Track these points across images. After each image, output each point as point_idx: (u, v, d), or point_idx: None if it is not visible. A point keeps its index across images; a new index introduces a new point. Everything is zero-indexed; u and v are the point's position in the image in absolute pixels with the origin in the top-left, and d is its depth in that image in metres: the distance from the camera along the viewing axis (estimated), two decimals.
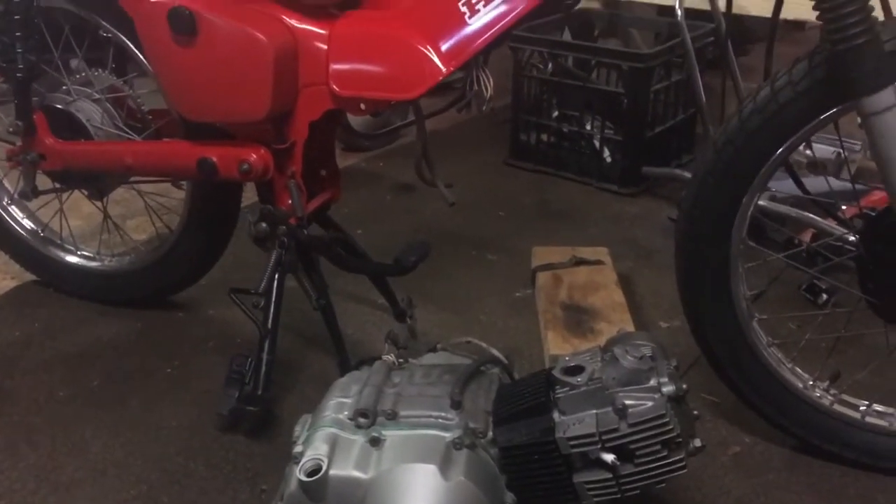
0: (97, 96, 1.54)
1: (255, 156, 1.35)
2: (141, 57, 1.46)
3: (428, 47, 1.22)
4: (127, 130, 1.54)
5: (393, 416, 1.02)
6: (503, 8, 1.19)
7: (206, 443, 1.35)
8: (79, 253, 1.74)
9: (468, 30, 1.21)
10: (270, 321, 1.36)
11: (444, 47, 1.22)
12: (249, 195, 1.56)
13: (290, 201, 1.38)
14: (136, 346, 1.60)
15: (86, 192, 1.64)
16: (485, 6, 1.19)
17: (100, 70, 1.56)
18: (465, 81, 1.27)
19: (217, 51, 1.28)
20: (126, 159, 1.45)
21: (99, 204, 1.68)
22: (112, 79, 1.55)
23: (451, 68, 1.22)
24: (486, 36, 1.20)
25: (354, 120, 2.44)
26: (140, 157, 1.46)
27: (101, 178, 1.59)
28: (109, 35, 1.50)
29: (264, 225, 1.38)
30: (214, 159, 1.38)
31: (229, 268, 1.75)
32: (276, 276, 1.36)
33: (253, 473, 1.29)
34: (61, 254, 1.74)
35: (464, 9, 1.20)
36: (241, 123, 1.35)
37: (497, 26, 1.19)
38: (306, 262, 1.43)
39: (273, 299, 1.36)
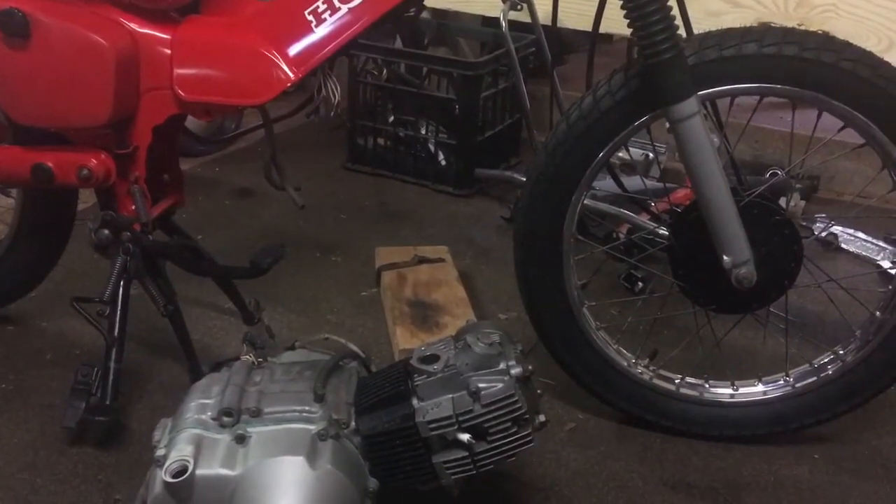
0: None
1: (95, 161, 1.32)
2: None
3: (275, 53, 1.25)
4: None
5: (257, 414, 1.05)
6: (348, 18, 1.24)
7: (53, 457, 1.30)
8: None
9: (314, 38, 1.25)
10: (117, 329, 1.33)
11: (291, 54, 1.25)
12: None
13: (133, 207, 1.36)
14: None
15: None
16: (331, 15, 1.24)
17: None
18: (314, 88, 1.31)
19: (53, 55, 1.24)
20: None
21: None
22: None
23: (300, 75, 1.25)
24: (333, 44, 1.24)
25: (191, 123, 2.39)
26: None
27: None
28: None
29: (106, 232, 1.35)
30: (50, 165, 1.33)
31: (59, 278, 1.69)
32: (122, 283, 1.34)
33: (105, 484, 1.26)
34: None
35: (310, 17, 1.24)
36: (80, 129, 1.31)
37: (343, 35, 1.24)
38: (152, 269, 1.41)
39: (119, 307, 1.34)
